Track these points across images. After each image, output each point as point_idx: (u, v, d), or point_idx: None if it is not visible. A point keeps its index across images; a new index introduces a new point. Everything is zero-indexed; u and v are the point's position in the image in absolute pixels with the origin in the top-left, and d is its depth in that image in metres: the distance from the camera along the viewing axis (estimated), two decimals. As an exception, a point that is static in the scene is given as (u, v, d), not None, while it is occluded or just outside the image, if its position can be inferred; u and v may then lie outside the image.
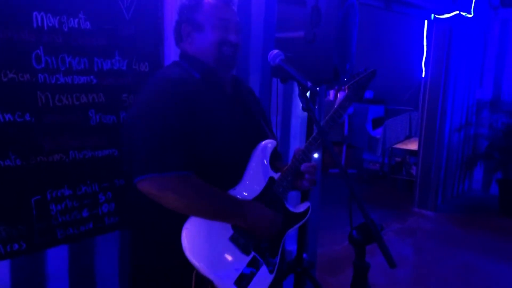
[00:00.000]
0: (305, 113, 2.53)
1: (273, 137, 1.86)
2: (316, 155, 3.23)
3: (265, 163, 1.68)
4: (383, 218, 5.14)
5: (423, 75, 5.50)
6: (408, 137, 6.83)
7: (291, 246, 3.01)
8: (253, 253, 1.58)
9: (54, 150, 1.86)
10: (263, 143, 1.69)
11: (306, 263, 2.66)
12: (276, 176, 1.70)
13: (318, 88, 1.55)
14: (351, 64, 2.45)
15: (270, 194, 1.66)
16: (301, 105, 1.52)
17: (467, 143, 6.20)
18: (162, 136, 1.46)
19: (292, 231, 1.77)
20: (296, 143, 2.97)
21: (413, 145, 6.27)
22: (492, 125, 5.91)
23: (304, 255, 3.33)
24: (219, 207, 1.53)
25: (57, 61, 1.82)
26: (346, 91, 1.91)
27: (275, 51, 1.65)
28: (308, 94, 1.52)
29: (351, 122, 7.02)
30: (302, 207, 1.78)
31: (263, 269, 1.60)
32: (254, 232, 1.58)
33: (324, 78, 2.39)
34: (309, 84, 1.52)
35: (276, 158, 1.76)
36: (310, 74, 2.35)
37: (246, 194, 1.62)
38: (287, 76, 1.64)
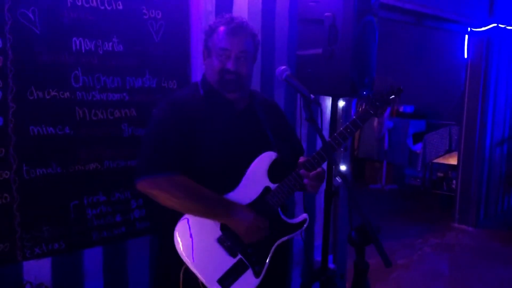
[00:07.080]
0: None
1: (295, 147, 1.99)
2: (343, 167, 3.31)
3: (262, 172, 1.76)
4: (420, 233, 5.07)
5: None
6: (448, 151, 6.71)
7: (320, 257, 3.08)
8: (239, 256, 1.71)
9: (90, 159, 2.07)
10: (262, 154, 1.76)
11: (331, 273, 2.73)
12: (273, 186, 1.76)
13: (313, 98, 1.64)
14: (371, 78, 2.54)
15: (263, 202, 1.74)
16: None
17: (512, 157, 6.01)
18: (156, 144, 1.70)
19: (286, 239, 1.81)
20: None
21: (454, 160, 6.15)
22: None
23: (333, 266, 3.40)
24: (204, 205, 1.69)
25: (93, 80, 2.04)
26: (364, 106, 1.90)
27: (282, 67, 1.77)
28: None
29: (391, 137, 6.99)
30: (298, 219, 1.81)
31: (248, 272, 1.71)
32: (239, 232, 1.69)
33: (342, 92, 2.51)
34: (312, 96, 1.64)
35: (281, 169, 1.80)
36: (329, 88, 2.49)
37: (240, 200, 1.73)
38: (293, 89, 1.77)
